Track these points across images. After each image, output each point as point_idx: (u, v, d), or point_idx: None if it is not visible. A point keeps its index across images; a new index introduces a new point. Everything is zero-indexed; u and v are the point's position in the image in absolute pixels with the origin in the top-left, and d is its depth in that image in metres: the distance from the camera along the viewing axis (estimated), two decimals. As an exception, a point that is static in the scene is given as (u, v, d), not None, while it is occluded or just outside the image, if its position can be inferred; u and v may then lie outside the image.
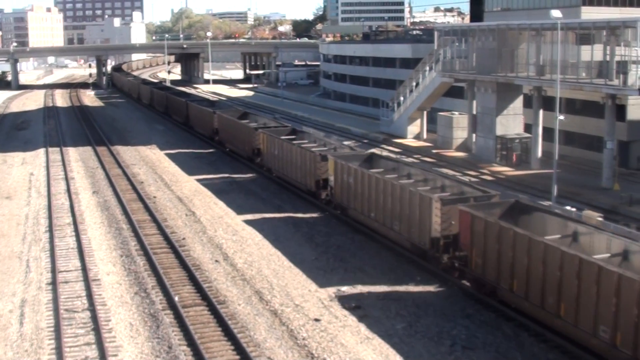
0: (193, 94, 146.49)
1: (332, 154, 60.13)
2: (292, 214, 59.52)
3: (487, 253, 38.98)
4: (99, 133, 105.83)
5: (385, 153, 79.35)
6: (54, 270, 44.75)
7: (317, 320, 36.94)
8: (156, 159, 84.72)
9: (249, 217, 58.11)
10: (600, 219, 47.98)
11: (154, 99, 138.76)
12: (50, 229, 53.97)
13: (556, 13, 58.40)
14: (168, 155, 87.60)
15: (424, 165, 74.28)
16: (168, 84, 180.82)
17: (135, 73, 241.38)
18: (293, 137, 72.34)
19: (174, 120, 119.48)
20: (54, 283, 42.56)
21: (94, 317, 37.23)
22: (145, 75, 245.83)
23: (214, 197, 64.88)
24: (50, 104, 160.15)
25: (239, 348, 33.60)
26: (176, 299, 39.47)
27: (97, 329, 35.81)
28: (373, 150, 75.82)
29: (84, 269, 44.90)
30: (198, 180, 72.61)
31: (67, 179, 72.66)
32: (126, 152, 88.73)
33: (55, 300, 39.92)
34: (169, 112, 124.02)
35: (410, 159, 78.92)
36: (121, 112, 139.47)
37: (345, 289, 41.91)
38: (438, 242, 43.22)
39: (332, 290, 41.70)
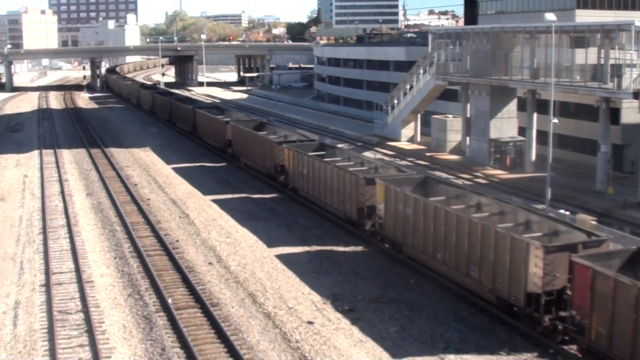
0: (200, 100, 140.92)
1: (380, 177, 50.92)
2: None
3: (617, 323, 30.76)
4: (92, 135, 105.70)
5: (379, 156, 79.55)
6: (47, 272, 44.74)
7: (310, 322, 36.96)
8: (150, 161, 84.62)
9: (243, 219, 58.16)
10: (594, 222, 48.08)
11: (156, 105, 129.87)
12: (44, 231, 53.92)
13: (550, 16, 58.50)
14: (175, 169, 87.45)
15: (419, 167, 74.31)
16: (162, 86, 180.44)
17: (129, 75, 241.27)
18: (322, 152, 64.22)
19: (178, 128, 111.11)
20: (47, 285, 42.54)
21: (88, 319, 37.22)
22: (139, 77, 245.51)
23: (207, 199, 64.80)
24: (45, 106, 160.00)
25: (232, 350, 33.61)
26: (169, 301, 39.45)
27: (90, 331, 35.79)
28: (426, 172, 61.87)
29: (78, 270, 44.89)
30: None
31: (61, 180, 72.60)
32: (120, 155, 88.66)
33: (48, 301, 39.88)
34: (173, 119, 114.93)
35: (404, 162, 78.89)
36: (115, 114, 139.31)
37: (338, 292, 41.98)
38: (538, 300, 34.83)
39: (325, 293, 41.76)
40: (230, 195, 67.05)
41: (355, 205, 52.10)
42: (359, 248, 50.69)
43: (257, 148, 73.35)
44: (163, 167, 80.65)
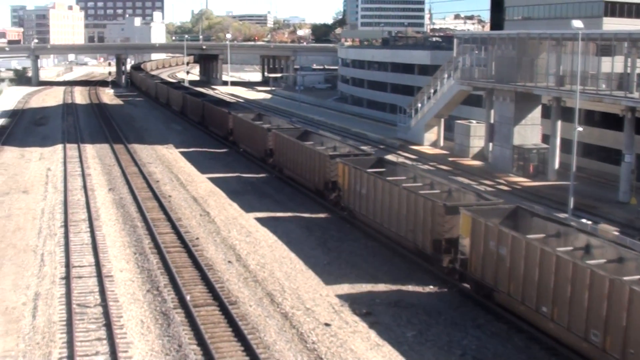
0: (235, 102, 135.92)
1: (465, 206, 43.38)
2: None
3: None
4: (116, 131, 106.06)
5: (401, 160, 79.29)
6: (67, 265, 44.86)
7: (327, 324, 36.89)
8: (172, 158, 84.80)
9: (261, 215, 58.21)
10: (616, 233, 47.87)
11: (187, 107, 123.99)
12: (66, 224, 54.09)
13: (577, 23, 58.29)
14: (184, 154, 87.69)
15: (441, 173, 74.15)
16: (186, 84, 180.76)
17: (154, 73, 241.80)
18: (382, 169, 57.48)
19: (211, 132, 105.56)
20: (67, 278, 42.66)
21: (106, 313, 37.29)
22: (164, 75, 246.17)
23: (228, 198, 64.86)
24: (69, 101, 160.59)
25: (248, 349, 33.58)
26: (188, 298, 39.49)
27: (108, 325, 35.86)
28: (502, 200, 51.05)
29: (98, 264, 45.00)
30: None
31: (83, 175, 72.83)
32: (143, 151, 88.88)
33: (68, 294, 40.01)
34: (206, 123, 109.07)
35: (426, 166, 78.75)
36: (139, 111, 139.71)
37: (357, 294, 41.84)
38: None
39: (343, 295, 41.73)
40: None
41: (430, 237, 45.00)
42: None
43: (304, 160, 67.22)
44: (185, 165, 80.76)
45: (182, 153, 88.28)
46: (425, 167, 78.22)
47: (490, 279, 39.49)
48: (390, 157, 76.12)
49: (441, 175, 62.53)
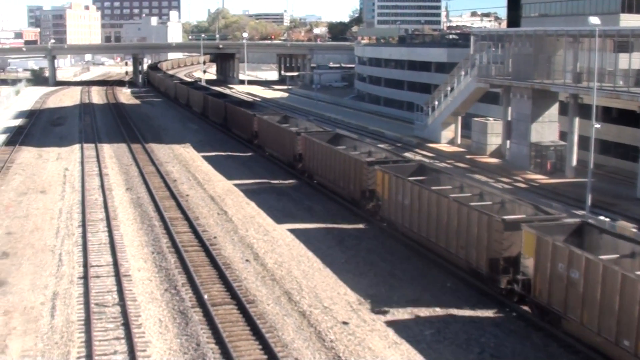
0: (259, 103, 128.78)
1: (528, 222, 39.18)
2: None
3: None
4: (133, 130, 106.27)
5: (418, 157, 79.09)
6: (85, 265, 45.04)
7: (345, 323, 36.88)
8: (189, 157, 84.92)
9: (281, 217, 58.21)
10: (634, 230, 47.68)
11: (209, 108, 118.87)
12: (83, 224, 54.26)
13: (594, 20, 58.08)
14: (205, 157, 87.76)
15: (459, 170, 73.95)
16: (203, 83, 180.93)
17: (171, 72, 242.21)
18: (422, 177, 53.47)
19: (234, 134, 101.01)
20: (85, 277, 42.80)
21: (124, 312, 37.41)
22: (181, 74, 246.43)
23: (245, 197, 64.89)
24: (87, 101, 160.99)
25: (266, 347, 33.63)
26: (206, 297, 39.54)
27: (126, 324, 35.98)
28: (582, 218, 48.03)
29: (116, 264, 45.13)
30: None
31: (101, 175, 73.02)
32: (160, 150, 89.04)
33: (86, 294, 40.15)
34: (229, 125, 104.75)
35: (443, 164, 78.64)
36: (156, 110, 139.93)
37: (374, 293, 41.89)
38: None
39: (361, 293, 41.72)
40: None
41: (486, 255, 40.84)
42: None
43: (337, 167, 62.68)
44: (202, 164, 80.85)
45: (205, 158, 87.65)
46: (443, 164, 77.93)
47: (558, 305, 35.32)
48: (408, 154, 75.97)
49: (459, 171, 62.09)
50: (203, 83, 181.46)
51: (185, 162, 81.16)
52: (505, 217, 40.94)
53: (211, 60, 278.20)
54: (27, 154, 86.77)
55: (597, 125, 59.60)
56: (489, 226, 40.62)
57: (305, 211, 61.58)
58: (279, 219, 57.56)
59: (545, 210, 43.05)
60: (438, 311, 39.32)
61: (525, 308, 39.12)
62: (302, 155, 72.24)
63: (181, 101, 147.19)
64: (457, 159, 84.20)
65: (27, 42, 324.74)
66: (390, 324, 37.34)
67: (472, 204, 44.48)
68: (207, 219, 56.79)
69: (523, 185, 70.82)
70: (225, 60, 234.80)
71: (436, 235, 46.22)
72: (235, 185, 69.79)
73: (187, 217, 56.40)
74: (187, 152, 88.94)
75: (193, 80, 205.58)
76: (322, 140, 68.26)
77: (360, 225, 56.54)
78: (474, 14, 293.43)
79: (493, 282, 40.57)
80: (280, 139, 78.93)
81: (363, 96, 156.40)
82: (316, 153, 68.08)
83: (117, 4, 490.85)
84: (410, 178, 51.56)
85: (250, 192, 66.93)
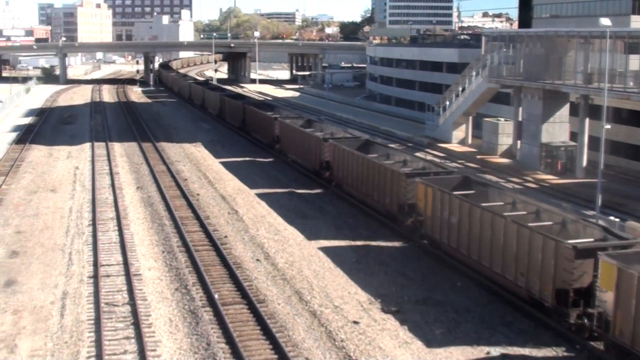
0: (279, 106, 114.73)
1: (604, 249, 34.65)
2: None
3: None
4: (144, 129, 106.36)
5: (429, 157, 78.95)
6: (95, 264, 45.08)
7: (356, 322, 36.88)
8: (200, 156, 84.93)
9: (292, 217, 58.18)
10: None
11: (226, 110, 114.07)
12: (94, 223, 54.31)
13: (605, 21, 57.92)
14: (224, 163, 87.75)
15: (470, 170, 73.83)
16: (215, 82, 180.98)
17: (182, 71, 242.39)
18: (469, 191, 48.82)
19: (253, 138, 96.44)
20: (95, 276, 42.86)
21: (134, 312, 37.44)
22: (192, 73, 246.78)
23: (256, 196, 64.88)
24: (97, 99, 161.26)
25: (277, 347, 33.63)
26: (216, 296, 39.56)
27: (136, 324, 36.01)
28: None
29: (126, 263, 45.17)
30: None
31: (111, 173, 73.08)
32: (171, 149, 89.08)
33: (96, 293, 40.20)
34: (247, 128, 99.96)
35: (454, 164, 78.55)
36: (167, 109, 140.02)
37: (386, 293, 41.87)
38: None
39: (371, 293, 41.71)
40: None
41: (552, 285, 36.26)
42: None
43: (371, 177, 57.93)
44: (213, 163, 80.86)
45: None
46: (454, 164, 77.83)
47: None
48: (419, 154, 75.74)
49: (463, 171, 61.62)
50: (214, 82, 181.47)
51: (197, 161, 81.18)
52: (576, 243, 36.27)
53: (222, 59, 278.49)
54: (37, 153, 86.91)
55: (608, 126, 59.38)
56: (557, 253, 35.91)
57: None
58: (290, 219, 57.52)
59: (618, 234, 38.51)
60: (448, 310, 39.28)
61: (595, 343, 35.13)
62: (329, 163, 67.46)
63: (196, 102, 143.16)
64: (468, 159, 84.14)
65: (38, 40, 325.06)
66: (401, 323, 37.30)
67: (531, 224, 39.84)
68: (218, 218, 56.81)
69: (533, 186, 70.72)
70: (236, 59, 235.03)
71: (490, 259, 41.40)
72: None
73: (197, 216, 56.39)
74: (198, 151, 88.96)
75: (205, 79, 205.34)
76: (352, 148, 63.65)
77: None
78: (485, 14, 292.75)
79: (561, 316, 36.12)
80: (305, 145, 73.81)
81: (374, 96, 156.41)
82: (346, 161, 63.12)
83: (128, 2, 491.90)
84: (456, 192, 47.01)
85: (263, 194, 66.89)
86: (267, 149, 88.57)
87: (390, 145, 74.91)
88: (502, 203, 46.24)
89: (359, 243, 51.61)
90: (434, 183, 49.05)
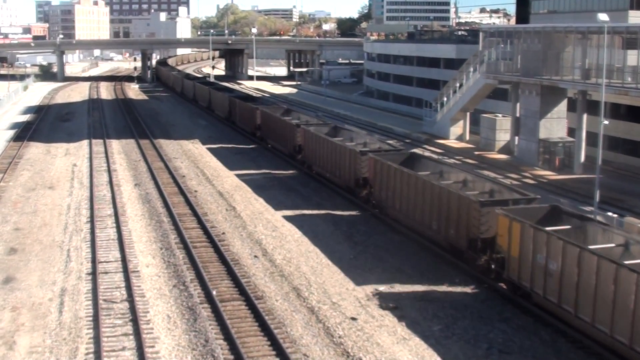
0: (297, 111, 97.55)
1: None
2: None
3: None
4: (142, 126, 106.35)
5: (427, 153, 78.88)
6: (94, 261, 45.08)
7: (353, 319, 36.89)
8: (198, 153, 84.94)
9: (289, 213, 58.16)
10: (642, 225, 47.47)
11: (236, 113, 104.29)
12: (92, 220, 54.33)
13: (603, 16, 57.88)
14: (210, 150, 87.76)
15: (467, 166, 73.84)
16: (212, 79, 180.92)
17: (179, 67, 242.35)
18: (562, 226, 39.67)
19: (274, 150, 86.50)
20: (93, 273, 42.85)
21: (133, 308, 37.46)
22: (190, 70, 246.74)
23: (254, 193, 64.88)
24: (95, 97, 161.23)
25: (275, 344, 33.65)
26: (214, 293, 39.58)
27: (135, 320, 36.03)
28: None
29: (124, 260, 45.18)
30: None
31: (109, 170, 73.09)
32: (169, 146, 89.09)
33: (94, 290, 40.20)
34: (263, 134, 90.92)
35: (452, 160, 78.55)
36: (165, 106, 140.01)
37: (383, 288, 41.91)
38: None
39: (369, 289, 41.73)
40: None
41: None
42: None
43: (426, 202, 48.92)
44: (211, 160, 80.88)
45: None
46: (451, 160, 77.86)
47: None
48: (417, 150, 75.53)
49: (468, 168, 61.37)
50: (212, 79, 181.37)
51: (194, 158, 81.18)
52: None
53: (220, 56, 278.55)
54: (35, 150, 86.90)
55: (606, 122, 59.40)
56: None
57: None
58: (287, 215, 57.51)
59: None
60: (446, 307, 39.31)
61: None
62: (368, 180, 59.05)
63: (201, 103, 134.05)
64: (465, 155, 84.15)
65: (35, 38, 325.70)
66: (399, 319, 37.33)
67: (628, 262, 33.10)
68: (216, 214, 56.82)
69: (531, 182, 70.72)
70: (234, 56, 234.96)
71: (602, 318, 33.00)
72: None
73: (195, 213, 56.42)
74: (195, 148, 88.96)
75: (203, 75, 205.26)
76: (395, 162, 54.64)
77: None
78: (483, 10, 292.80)
79: None
80: (335, 158, 65.22)
81: (372, 92, 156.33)
82: (391, 181, 53.96)
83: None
84: (550, 228, 38.02)
85: (259, 188, 66.94)
86: (288, 159, 79.82)
87: (441, 159, 66.74)
88: (612, 244, 36.93)
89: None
90: (519, 216, 39.66)
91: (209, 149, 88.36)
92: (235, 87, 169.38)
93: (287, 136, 79.27)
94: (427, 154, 78.87)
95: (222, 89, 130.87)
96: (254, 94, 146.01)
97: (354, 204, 60.94)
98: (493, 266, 41.89)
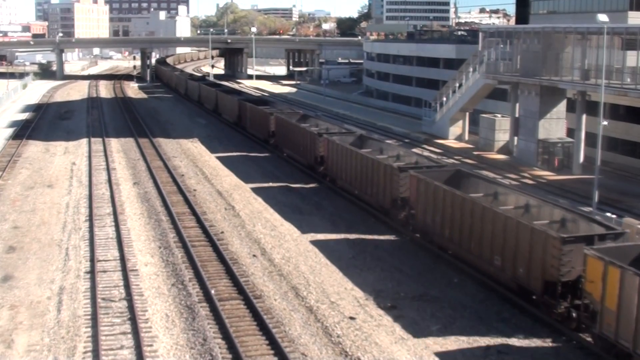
0: (316, 117, 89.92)
1: None
2: None
3: None
4: (141, 125, 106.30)
5: (426, 153, 78.82)
6: (92, 259, 45.06)
7: (352, 318, 36.88)
8: (197, 152, 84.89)
9: (288, 213, 58.14)
10: (640, 226, 47.42)
11: (246, 118, 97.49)
12: (90, 219, 54.30)
13: (603, 17, 57.91)
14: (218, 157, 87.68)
15: (466, 166, 73.85)
16: (211, 78, 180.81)
17: (179, 66, 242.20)
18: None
19: (290, 159, 79.25)
20: (92, 272, 42.84)
21: (131, 307, 37.45)
22: (189, 69, 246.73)
23: (252, 192, 64.86)
24: (94, 95, 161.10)
25: (273, 343, 33.64)
26: (213, 292, 39.57)
27: (133, 319, 36.01)
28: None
29: (123, 259, 45.16)
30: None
31: (108, 169, 73.05)
32: (168, 145, 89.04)
33: (93, 288, 40.19)
34: (278, 141, 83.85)
35: (450, 160, 78.55)
36: (164, 104, 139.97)
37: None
38: None
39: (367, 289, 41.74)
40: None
41: None
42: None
43: (486, 228, 41.74)
44: (210, 159, 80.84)
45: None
46: (451, 160, 77.84)
47: None
48: (415, 150, 75.36)
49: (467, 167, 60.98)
50: (211, 78, 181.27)
51: (193, 157, 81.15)
52: None
53: (219, 55, 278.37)
54: (34, 148, 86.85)
55: (605, 122, 59.44)
56: None
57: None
58: (286, 215, 57.48)
59: None
60: (445, 307, 39.31)
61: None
62: (407, 200, 51.70)
63: (207, 106, 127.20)
64: (464, 155, 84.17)
65: (34, 36, 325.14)
66: (397, 319, 37.32)
67: None
68: (215, 214, 56.80)
69: (530, 182, 70.75)
70: (233, 55, 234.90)
71: None
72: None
73: (194, 212, 56.40)
74: (194, 146, 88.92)
75: (202, 74, 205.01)
76: (440, 181, 48.33)
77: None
78: (482, 10, 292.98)
79: None
80: (367, 173, 57.71)
81: (371, 92, 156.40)
82: (438, 201, 47.08)
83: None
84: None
85: (258, 189, 66.88)
86: (307, 170, 73.34)
87: (495, 178, 58.54)
88: None
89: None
90: (614, 257, 32.64)
91: (208, 148, 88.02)
92: (243, 88, 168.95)
93: (308, 146, 71.95)
94: (426, 153, 78.73)
95: (230, 92, 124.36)
96: (266, 96, 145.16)
97: (390, 227, 53.94)
98: (574, 314, 35.74)
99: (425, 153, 79.40)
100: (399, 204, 52.61)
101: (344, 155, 62.51)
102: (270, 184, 69.32)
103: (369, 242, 51.15)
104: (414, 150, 76.71)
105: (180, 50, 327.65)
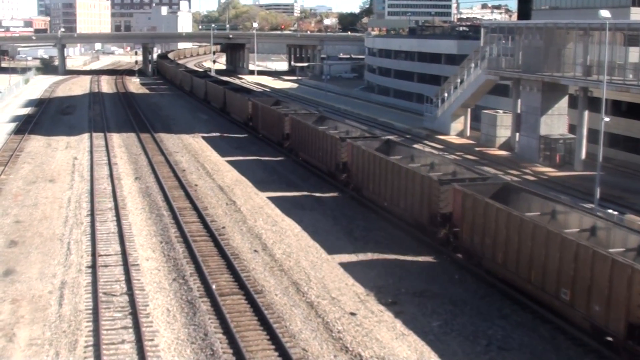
0: (341, 122, 79.81)
1: None
2: None
3: None
4: (142, 120, 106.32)
5: (427, 149, 78.77)
6: (94, 254, 45.09)
7: (352, 314, 36.89)
8: (199, 147, 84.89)
9: (289, 208, 58.14)
10: (642, 223, 47.42)
11: (259, 119, 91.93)
12: (92, 213, 54.34)
13: (605, 13, 57.87)
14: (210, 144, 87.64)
15: (468, 162, 73.77)
16: (213, 73, 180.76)
17: (181, 62, 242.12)
18: None
19: (306, 164, 74.04)
20: (93, 266, 42.86)
21: (132, 302, 37.48)
22: (191, 64, 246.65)
23: (254, 187, 64.84)
24: (96, 90, 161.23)
25: (274, 338, 33.66)
26: (214, 287, 39.58)
27: (134, 314, 36.05)
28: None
29: (124, 253, 45.19)
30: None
31: (110, 164, 73.08)
32: (169, 140, 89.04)
33: (94, 283, 40.21)
34: (293, 146, 78.28)
35: (452, 156, 78.51)
36: (165, 100, 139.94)
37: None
38: None
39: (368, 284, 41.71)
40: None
41: None
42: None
43: (538, 251, 36.62)
44: (212, 154, 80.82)
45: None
46: (452, 156, 77.79)
47: None
48: (417, 146, 75.18)
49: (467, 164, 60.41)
50: (213, 73, 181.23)
51: (195, 152, 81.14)
52: None
53: (221, 50, 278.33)
54: (36, 143, 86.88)
55: (607, 119, 59.41)
56: None
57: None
58: (286, 210, 57.47)
59: None
60: (446, 303, 39.30)
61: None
62: (451, 217, 46.10)
63: (214, 104, 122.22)
64: (466, 151, 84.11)
65: (36, 31, 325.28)
66: (398, 315, 37.29)
67: None
68: (216, 209, 56.81)
69: (532, 178, 70.72)
70: (235, 51, 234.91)
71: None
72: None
73: (195, 207, 56.41)
74: (196, 142, 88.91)
75: (204, 70, 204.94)
76: (487, 195, 42.70)
77: None
78: (484, 6, 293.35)
79: None
80: (400, 184, 52.01)
81: (373, 87, 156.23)
82: (489, 220, 41.19)
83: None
84: None
85: (260, 183, 66.85)
86: (327, 177, 67.96)
87: (546, 193, 47.17)
88: None
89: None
90: None
91: (209, 143, 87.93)
92: (245, 84, 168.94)
93: (328, 151, 66.11)
94: (427, 149, 78.64)
95: (239, 90, 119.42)
96: (278, 97, 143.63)
97: (429, 246, 48.18)
98: None
99: (427, 149, 79.33)
100: (438, 221, 46.96)
101: (371, 162, 56.77)
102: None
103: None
104: (416, 145, 75.73)
105: (182, 45, 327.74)
